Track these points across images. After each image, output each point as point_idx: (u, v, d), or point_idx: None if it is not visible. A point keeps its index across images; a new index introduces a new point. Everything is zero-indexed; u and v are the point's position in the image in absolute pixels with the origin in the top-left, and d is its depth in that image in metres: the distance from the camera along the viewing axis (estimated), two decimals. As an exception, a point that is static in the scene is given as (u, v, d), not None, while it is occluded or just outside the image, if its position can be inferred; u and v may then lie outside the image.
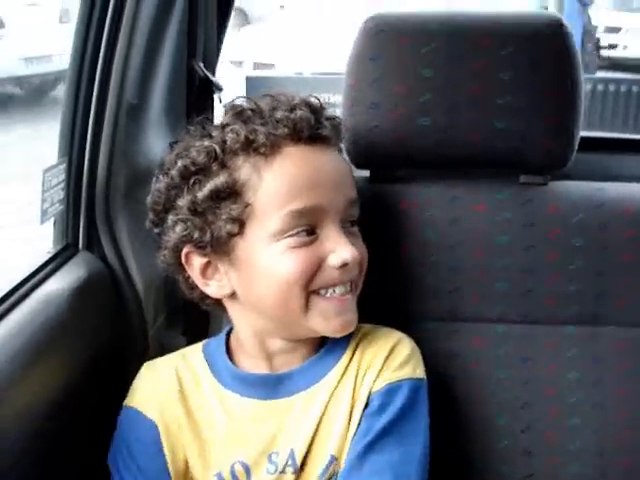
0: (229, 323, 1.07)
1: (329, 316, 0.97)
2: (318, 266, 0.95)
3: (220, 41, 1.45)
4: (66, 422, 1.01)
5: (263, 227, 0.94)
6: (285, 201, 0.93)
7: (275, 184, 0.93)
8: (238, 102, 1.00)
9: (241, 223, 0.94)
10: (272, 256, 0.94)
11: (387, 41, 1.12)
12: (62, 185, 1.09)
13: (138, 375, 1.06)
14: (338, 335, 0.99)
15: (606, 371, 1.13)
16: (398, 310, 1.11)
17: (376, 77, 1.12)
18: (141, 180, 1.19)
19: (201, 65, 1.33)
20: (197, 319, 1.26)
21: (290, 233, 0.94)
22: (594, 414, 1.13)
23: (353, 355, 1.01)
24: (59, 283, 1.04)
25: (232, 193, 0.94)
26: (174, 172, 0.97)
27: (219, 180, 0.94)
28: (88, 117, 1.11)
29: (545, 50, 1.11)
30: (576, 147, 1.13)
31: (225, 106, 1.02)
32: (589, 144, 1.26)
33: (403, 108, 1.12)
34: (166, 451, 1.00)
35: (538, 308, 1.14)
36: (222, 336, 1.06)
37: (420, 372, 1.02)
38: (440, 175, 1.18)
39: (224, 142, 0.95)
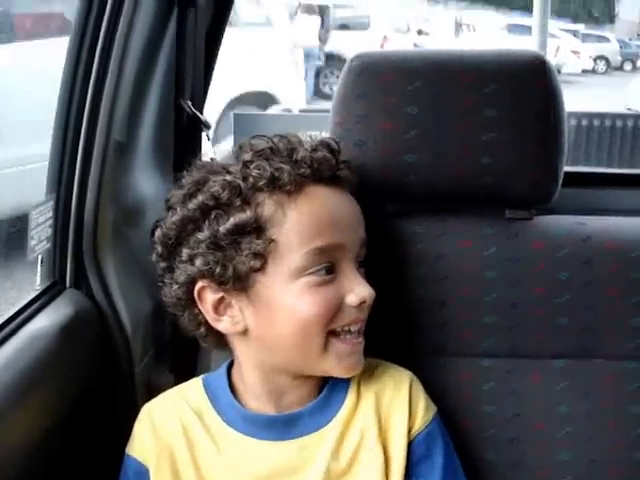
0: (217, 360, 1.06)
1: (342, 357, 0.97)
2: (338, 306, 0.96)
3: (208, 79, 1.46)
4: (53, 463, 1.00)
5: (285, 264, 0.94)
6: (308, 238, 0.94)
7: (299, 221, 0.94)
8: (255, 141, 1.00)
9: (263, 259, 0.94)
10: (292, 294, 0.94)
11: (372, 79, 1.14)
12: (50, 222, 1.09)
13: (137, 420, 1.04)
14: (345, 376, 1.00)
15: (596, 404, 1.13)
16: (389, 345, 1.11)
17: (362, 115, 1.13)
18: (129, 217, 1.19)
19: (189, 103, 1.34)
20: (185, 357, 1.25)
21: (311, 270, 0.94)
22: (584, 448, 1.13)
23: (359, 391, 1.02)
24: (46, 321, 1.03)
25: (256, 228, 0.94)
26: (192, 205, 0.96)
27: (243, 215, 0.94)
28: (76, 155, 1.11)
29: (528, 87, 1.12)
30: (560, 182, 1.14)
31: (240, 143, 1.01)
32: (573, 179, 1.27)
33: (389, 145, 1.13)
34: None
35: (526, 342, 1.14)
36: (223, 372, 1.05)
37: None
38: (427, 210, 1.18)
39: (246, 178, 0.95)
